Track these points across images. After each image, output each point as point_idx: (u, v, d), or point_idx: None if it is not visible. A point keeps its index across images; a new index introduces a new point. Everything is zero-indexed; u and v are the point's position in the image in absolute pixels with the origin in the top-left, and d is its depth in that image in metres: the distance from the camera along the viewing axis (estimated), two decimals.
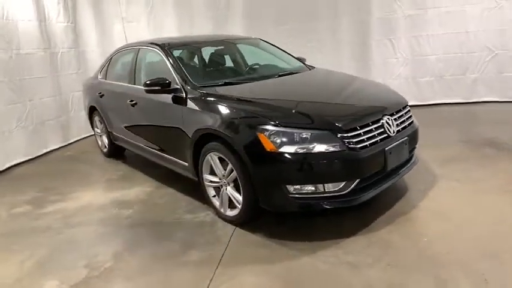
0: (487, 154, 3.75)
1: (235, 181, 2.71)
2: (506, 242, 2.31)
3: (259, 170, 2.45)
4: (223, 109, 2.69)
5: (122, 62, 4.38)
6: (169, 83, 3.11)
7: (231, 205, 2.84)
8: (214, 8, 6.22)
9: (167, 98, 3.20)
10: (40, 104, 5.34)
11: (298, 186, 2.41)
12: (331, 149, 2.35)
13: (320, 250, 2.40)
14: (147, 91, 3.19)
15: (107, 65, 4.66)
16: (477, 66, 5.53)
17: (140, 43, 4.07)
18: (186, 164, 3.18)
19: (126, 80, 4.02)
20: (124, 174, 4.27)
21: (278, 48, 4.16)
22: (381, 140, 2.54)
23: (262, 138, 2.40)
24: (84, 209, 3.44)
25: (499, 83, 5.52)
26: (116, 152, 4.82)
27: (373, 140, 2.50)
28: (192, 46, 3.77)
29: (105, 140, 4.86)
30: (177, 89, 3.12)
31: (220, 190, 2.91)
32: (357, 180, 2.44)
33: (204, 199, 3.20)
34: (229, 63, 3.97)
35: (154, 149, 3.64)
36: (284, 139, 2.38)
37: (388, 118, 2.65)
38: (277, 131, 2.39)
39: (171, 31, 6.36)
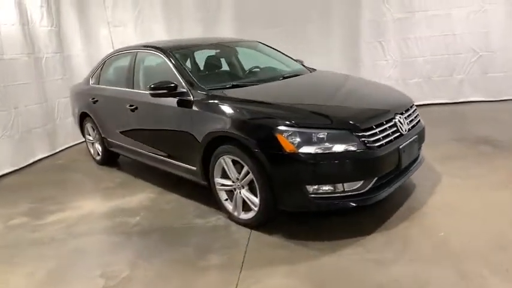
0: (482, 151, 3.89)
1: (250, 183, 2.69)
2: None
3: (278, 171, 2.44)
4: (238, 111, 2.67)
5: (117, 66, 4.27)
6: (176, 86, 3.06)
7: (245, 208, 2.81)
8: (204, 11, 6.18)
9: (172, 101, 3.15)
10: (26, 112, 5.12)
11: (317, 186, 2.42)
12: (350, 148, 2.38)
13: (341, 249, 2.42)
14: (153, 95, 3.13)
15: (99, 69, 4.54)
16: (463, 67, 5.76)
17: (137, 47, 3.98)
18: (194, 168, 3.12)
19: (124, 84, 3.92)
20: (122, 182, 4.15)
21: (277, 50, 4.17)
22: (395, 138, 2.59)
23: (281, 139, 2.40)
24: (87, 218, 3.31)
25: (483, 83, 5.77)
26: (109, 159, 4.69)
27: (388, 139, 2.54)
28: (193, 49, 3.73)
29: (98, 147, 4.72)
30: (183, 92, 3.07)
31: (232, 193, 2.88)
32: (375, 179, 2.47)
33: (212, 203, 3.17)
34: (231, 65, 3.95)
35: (157, 155, 3.56)
36: (303, 140, 2.38)
37: (400, 117, 2.71)
38: (296, 131, 2.39)
39: (159, 35, 6.26)
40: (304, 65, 3.98)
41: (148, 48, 3.71)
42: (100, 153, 4.71)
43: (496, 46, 5.60)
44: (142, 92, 3.59)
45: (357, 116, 2.53)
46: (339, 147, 2.37)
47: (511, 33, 5.54)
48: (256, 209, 2.67)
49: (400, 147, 2.58)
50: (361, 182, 2.44)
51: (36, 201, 3.80)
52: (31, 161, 5.17)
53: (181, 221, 3.05)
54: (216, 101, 2.86)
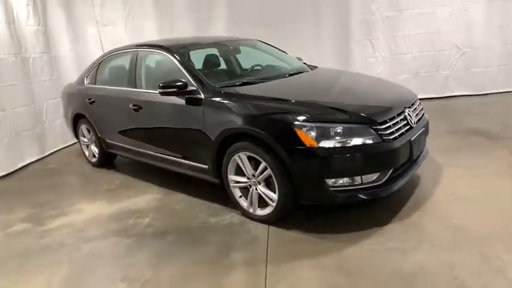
0: (476, 143, 4.07)
1: (266, 179, 2.71)
2: None
3: (299, 166, 2.47)
4: (255, 108, 2.68)
5: (116, 66, 4.18)
6: (186, 84, 3.03)
7: (260, 204, 2.83)
8: (196, 10, 6.14)
9: (180, 100, 3.12)
10: (13, 114, 4.92)
11: (336, 179, 2.47)
12: (368, 141, 2.44)
13: (362, 240, 2.48)
14: (162, 93, 3.09)
15: (95, 69, 4.42)
16: (448, 63, 6.00)
17: (138, 45, 3.91)
18: (206, 166, 3.11)
19: (125, 84, 3.84)
20: (122, 183, 4.07)
21: (276, 48, 4.21)
22: (406, 131, 2.68)
23: (301, 134, 2.43)
24: (94, 221, 3.23)
25: (467, 78, 6.03)
26: (106, 161, 4.58)
27: (401, 132, 2.63)
28: (196, 48, 3.70)
29: (94, 149, 4.60)
30: (193, 90, 3.05)
31: (246, 190, 2.89)
32: (391, 170, 2.55)
33: (223, 201, 3.17)
34: (234, 64, 3.94)
35: (164, 154, 3.51)
36: (322, 134, 2.42)
37: (408, 110, 2.81)
38: (316, 126, 2.43)
39: (150, 34, 6.17)
40: (304, 63, 4.03)
41: (151, 47, 3.65)
42: (96, 155, 4.59)
43: (478, 43, 5.87)
44: (146, 91, 3.54)
45: (372, 110, 2.60)
46: (357, 141, 2.43)
47: (492, 31, 5.81)
48: (274, 204, 2.69)
49: (411, 139, 2.67)
50: (378, 174, 2.51)
51: (34, 207, 3.66)
52: (20, 165, 4.98)
53: (195, 221, 3.03)
54: (230, 98, 2.86)
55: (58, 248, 2.85)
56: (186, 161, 3.30)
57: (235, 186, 2.94)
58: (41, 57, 5.46)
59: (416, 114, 2.96)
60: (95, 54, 6.49)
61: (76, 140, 5.77)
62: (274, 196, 2.67)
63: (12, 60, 4.92)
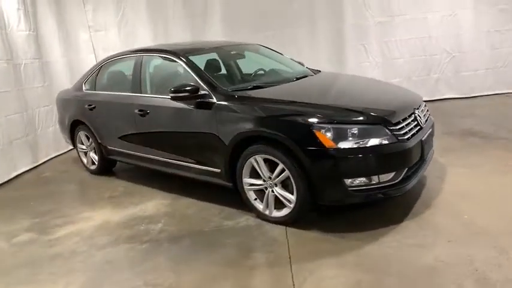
0: (472, 143, 4.22)
1: (282, 181, 2.74)
2: None
3: (318, 167, 2.51)
4: (272, 111, 2.72)
5: (118, 71, 4.14)
6: (198, 88, 3.04)
7: (277, 206, 2.85)
8: (191, 15, 6.14)
9: (190, 104, 3.12)
10: (6, 122, 4.78)
11: (354, 179, 2.52)
12: (384, 141, 2.51)
13: (379, 238, 2.53)
14: (174, 98, 3.08)
15: (95, 75, 4.36)
16: (438, 67, 6.21)
17: (141, 50, 3.89)
18: (218, 170, 3.11)
19: (129, 89, 3.80)
20: (126, 190, 4.01)
21: (278, 52, 4.27)
22: (417, 131, 2.77)
23: (320, 135, 2.48)
24: (104, 228, 3.17)
25: (456, 82, 6.25)
26: (106, 168, 4.51)
27: (413, 132, 2.71)
28: (203, 52, 3.71)
29: (94, 156, 4.51)
30: (205, 94, 3.06)
31: (262, 192, 2.90)
32: (406, 169, 2.62)
33: (236, 204, 3.18)
34: (239, 68, 3.97)
35: (172, 159, 3.48)
36: (341, 135, 2.48)
37: (417, 111, 2.90)
38: (334, 127, 2.49)
39: (144, 39, 6.13)
40: (307, 67, 4.10)
41: (157, 52, 3.64)
42: (96, 162, 4.50)
43: (467, 47, 6.11)
44: (153, 96, 3.52)
45: (387, 111, 2.67)
46: (374, 141, 2.49)
47: (480, 36, 6.06)
48: (291, 205, 2.72)
49: (422, 139, 2.76)
50: (393, 173, 2.58)
51: (36, 216, 3.56)
52: (13, 174, 4.83)
53: (209, 224, 3.01)
54: (245, 102, 2.88)
55: (70, 256, 2.79)
56: (197, 166, 3.28)
57: (250, 189, 2.95)
58: (32, 63, 5.33)
59: (424, 115, 3.05)
60: (87, 60, 6.42)
61: (70, 148, 5.70)
62: (292, 197, 2.69)
63: (4, 66, 4.79)
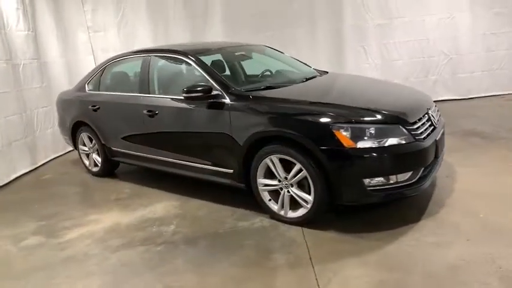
0: (475, 143, 4.30)
1: (299, 181, 2.73)
2: None
3: (338, 167, 2.51)
4: (290, 111, 2.71)
5: (124, 72, 4.09)
6: (211, 88, 3.02)
7: (292, 206, 2.84)
8: (191, 16, 6.11)
9: (202, 104, 3.10)
10: (5, 123, 4.67)
11: (372, 179, 2.53)
12: (402, 141, 2.53)
13: (398, 237, 2.54)
14: (187, 98, 3.06)
15: (98, 75, 4.29)
16: (436, 69, 6.32)
17: (149, 50, 3.85)
18: (231, 171, 3.09)
19: (136, 89, 3.75)
20: (132, 192, 3.95)
21: (282, 52, 4.28)
22: (431, 131, 2.80)
23: (339, 135, 2.48)
24: (115, 231, 3.11)
25: (453, 83, 6.37)
26: (109, 170, 4.44)
27: (428, 132, 2.74)
28: (212, 53, 3.69)
29: (97, 158, 4.43)
30: (218, 95, 3.04)
31: (276, 193, 2.89)
32: (422, 169, 2.65)
33: (248, 205, 3.17)
34: (247, 69, 3.96)
35: (182, 160, 3.44)
36: (360, 134, 2.49)
37: (431, 111, 2.94)
38: (353, 127, 2.50)
39: (144, 40, 6.07)
40: (314, 68, 4.12)
41: (165, 52, 3.60)
42: (99, 164, 4.43)
43: (464, 50, 6.22)
44: (163, 97, 3.48)
45: (403, 111, 2.70)
46: (392, 141, 2.51)
47: (476, 38, 6.19)
48: (308, 206, 2.71)
49: (437, 139, 2.79)
50: (411, 173, 2.60)
51: (42, 219, 3.49)
52: (13, 177, 4.72)
53: (223, 226, 2.99)
54: (260, 102, 2.87)
55: (83, 259, 2.73)
56: (208, 166, 3.25)
57: (264, 190, 2.94)
58: (31, 63, 5.22)
59: (436, 115, 3.09)
60: (86, 60, 6.32)
61: (68, 149, 5.61)
62: (309, 198, 2.69)
63: (3, 66, 4.69)
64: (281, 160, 2.77)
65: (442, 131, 3.00)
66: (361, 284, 2.14)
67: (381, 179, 2.55)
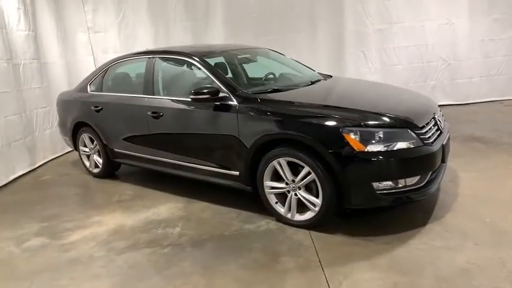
0: (476, 148, 4.34)
1: (306, 184, 2.73)
2: None
3: (348, 170, 2.51)
4: (299, 113, 2.71)
5: (127, 73, 4.06)
6: (218, 90, 3.01)
7: (299, 209, 2.84)
8: (193, 18, 6.10)
9: (208, 106, 3.09)
10: (5, 123, 4.61)
11: (381, 183, 2.54)
12: (411, 145, 2.54)
13: (407, 240, 2.55)
14: (194, 100, 3.04)
15: (101, 76, 4.26)
16: (435, 74, 6.38)
17: (153, 52, 3.83)
18: (237, 173, 3.08)
19: (141, 91, 3.71)
20: (134, 194, 3.91)
21: (283, 55, 4.29)
22: (438, 135, 2.82)
23: (349, 138, 2.49)
24: (119, 233, 3.08)
25: (451, 89, 6.43)
26: (110, 171, 4.40)
27: (435, 136, 2.76)
28: (217, 55, 3.68)
29: (98, 159, 4.39)
30: (225, 97, 3.03)
31: (283, 196, 2.89)
32: (430, 173, 2.66)
33: (253, 208, 3.17)
34: (252, 72, 3.95)
35: (187, 162, 3.43)
36: (369, 138, 2.50)
37: (437, 115, 2.96)
38: (363, 130, 2.50)
39: (145, 41, 6.05)
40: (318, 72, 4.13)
41: (171, 54, 3.59)
42: (100, 165, 4.38)
43: (462, 55, 6.30)
44: (168, 98, 3.46)
45: (412, 115, 2.71)
46: (401, 144, 2.52)
47: (475, 44, 6.27)
48: (316, 209, 2.71)
49: (444, 143, 2.81)
50: (419, 177, 2.61)
51: (43, 220, 3.44)
52: (12, 177, 4.66)
53: (229, 228, 2.97)
54: (268, 105, 2.87)
55: (88, 261, 2.69)
56: (214, 168, 3.24)
57: (271, 193, 2.93)
58: (31, 63, 5.17)
59: (442, 120, 3.12)
60: (86, 61, 6.28)
61: (67, 150, 5.55)
62: (317, 201, 2.69)
63: (4, 66, 4.64)
64: (288, 163, 2.77)
65: (448, 135, 3.02)
66: (372, 287, 2.14)
67: (390, 182, 2.55)
